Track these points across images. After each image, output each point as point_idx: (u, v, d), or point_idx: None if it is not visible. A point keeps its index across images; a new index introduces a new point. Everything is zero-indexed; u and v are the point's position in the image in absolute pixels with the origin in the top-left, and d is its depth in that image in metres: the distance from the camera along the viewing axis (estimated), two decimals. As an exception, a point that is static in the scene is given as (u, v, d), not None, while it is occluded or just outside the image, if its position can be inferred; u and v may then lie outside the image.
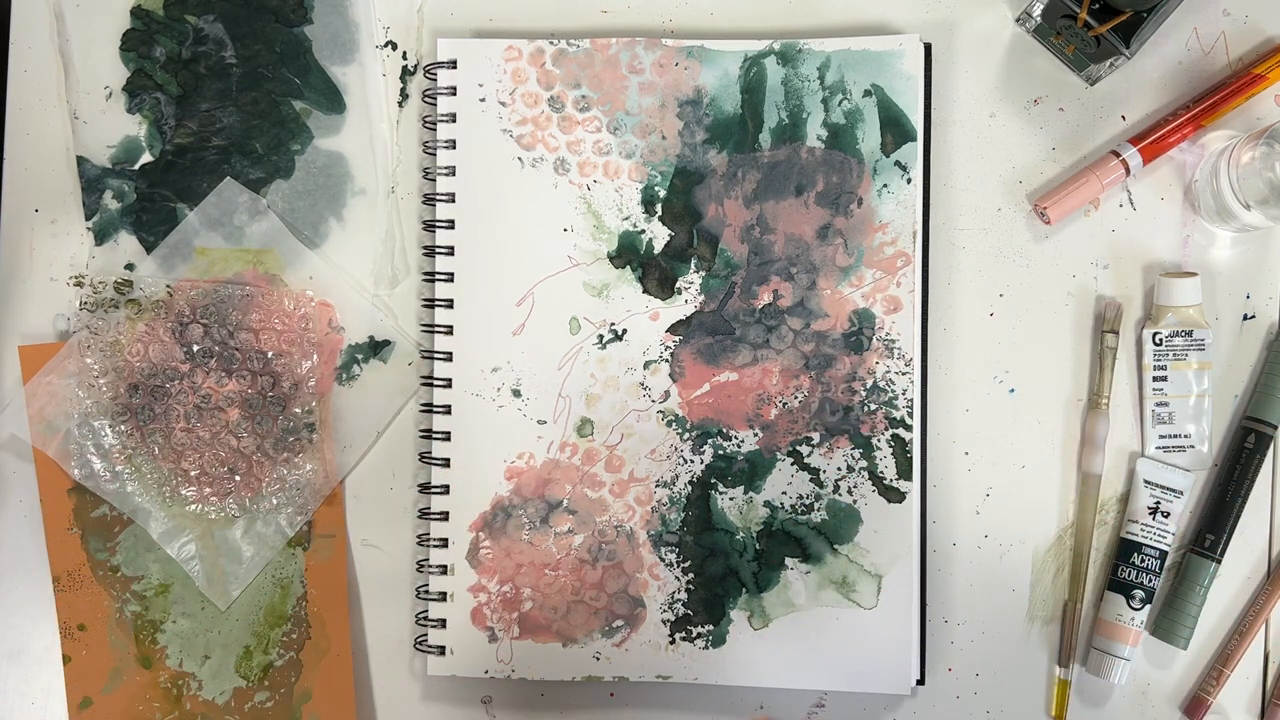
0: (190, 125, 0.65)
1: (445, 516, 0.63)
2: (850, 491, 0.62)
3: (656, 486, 0.63)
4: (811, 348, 0.63)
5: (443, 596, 0.63)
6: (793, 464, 0.62)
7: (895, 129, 0.62)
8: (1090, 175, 0.62)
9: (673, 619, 0.62)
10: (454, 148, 0.64)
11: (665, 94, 0.63)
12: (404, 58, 0.66)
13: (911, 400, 0.62)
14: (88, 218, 0.65)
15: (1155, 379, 0.62)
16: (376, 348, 0.65)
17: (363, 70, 0.66)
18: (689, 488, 0.63)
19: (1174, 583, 0.63)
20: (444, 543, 0.63)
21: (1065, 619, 0.63)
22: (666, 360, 0.63)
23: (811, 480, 0.62)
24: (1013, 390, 0.64)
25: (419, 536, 0.64)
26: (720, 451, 0.63)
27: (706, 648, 0.62)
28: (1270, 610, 0.62)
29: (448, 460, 0.63)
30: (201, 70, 0.65)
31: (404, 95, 0.66)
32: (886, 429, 0.62)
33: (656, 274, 0.63)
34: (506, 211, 0.64)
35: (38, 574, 0.64)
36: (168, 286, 0.64)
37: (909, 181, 0.62)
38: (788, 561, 0.62)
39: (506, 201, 0.64)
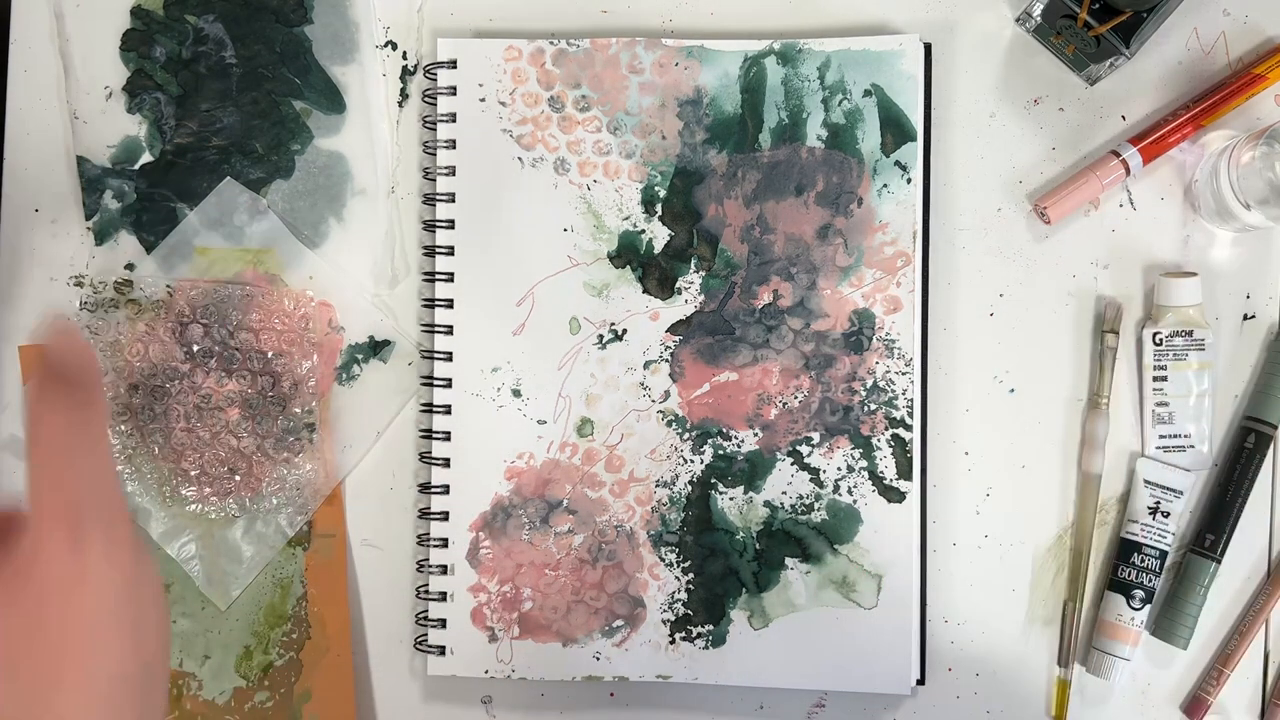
0: (190, 125, 0.65)
1: (445, 516, 0.63)
2: (850, 491, 0.62)
3: (656, 486, 0.63)
4: (811, 348, 0.63)
5: (443, 596, 0.63)
6: (793, 464, 0.62)
7: (895, 129, 0.62)
8: (1090, 175, 0.62)
9: (673, 619, 0.62)
10: (454, 148, 0.64)
11: (665, 94, 0.63)
12: (404, 58, 0.66)
13: (911, 400, 0.62)
14: (88, 218, 0.65)
15: (1155, 379, 0.62)
16: (376, 348, 0.65)
17: (363, 70, 0.66)
18: (689, 488, 0.63)
19: (1174, 583, 0.63)
20: (444, 543, 0.63)
21: (1065, 619, 0.63)
22: (666, 360, 0.63)
23: (811, 480, 0.62)
24: (1013, 390, 0.64)
25: (419, 536, 0.64)
26: (720, 451, 0.63)
27: (706, 648, 0.62)
28: (1270, 610, 0.62)
29: (448, 460, 0.63)
30: (201, 70, 0.65)
31: (404, 95, 0.66)
32: (886, 429, 0.62)
33: (656, 274, 0.63)
34: (506, 211, 0.64)
35: (38, 574, 0.64)
36: (168, 286, 0.64)
37: (909, 181, 0.62)
38: (788, 561, 0.62)
39: (506, 201, 0.64)
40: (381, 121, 0.65)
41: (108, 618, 0.38)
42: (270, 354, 0.64)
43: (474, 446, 0.63)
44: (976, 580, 0.63)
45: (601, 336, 0.63)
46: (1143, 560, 0.62)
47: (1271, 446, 0.62)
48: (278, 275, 0.65)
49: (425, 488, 0.64)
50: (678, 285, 0.63)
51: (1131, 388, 0.64)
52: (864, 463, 0.62)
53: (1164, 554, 0.62)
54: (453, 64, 0.64)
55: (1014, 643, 0.63)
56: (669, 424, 0.63)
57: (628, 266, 0.63)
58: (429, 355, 0.64)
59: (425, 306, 0.65)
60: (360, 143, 0.65)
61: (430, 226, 0.64)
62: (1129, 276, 0.64)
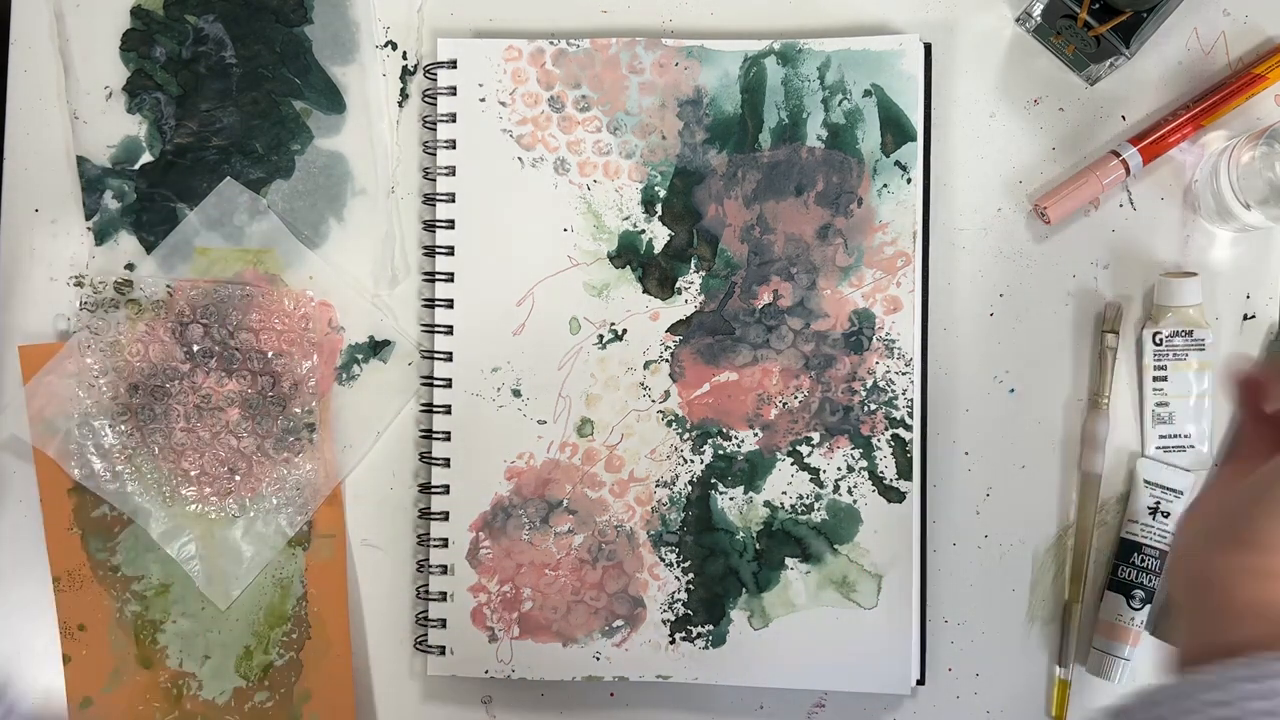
0: (190, 125, 0.65)
1: (445, 516, 0.63)
2: (850, 491, 0.62)
3: (656, 486, 0.63)
4: (811, 348, 0.63)
5: (443, 596, 0.63)
6: (793, 464, 0.62)
7: (895, 129, 0.62)
8: (1090, 175, 0.62)
9: (673, 619, 0.62)
10: (454, 148, 0.64)
11: (665, 94, 0.63)
12: (404, 58, 0.66)
13: (911, 400, 0.62)
14: (88, 218, 0.65)
15: (1155, 379, 0.62)
16: (376, 348, 0.65)
17: (363, 70, 0.66)
18: (689, 488, 0.63)
19: (1174, 583, 0.63)
20: (444, 543, 0.63)
21: (1065, 619, 0.63)
22: (666, 360, 0.63)
23: (811, 480, 0.62)
24: (1013, 390, 0.64)
25: (419, 536, 0.64)
26: (720, 451, 0.63)
27: (706, 648, 0.62)
28: (1270, 610, 0.62)
29: (448, 460, 0.63)
30: (201, 70, 0.65)
31: (404, 95, 0.66)
32: (886, 429, 0.62)
33: (656, 274, 0.63)
34: (506, 211, 0.64)
35: (38, 574, 0.64)
36: (168, 286, 0.64)
37: (909, 181, 0.62)
38: (788, 561, 0.62)
39: (506, 201, 0.64)
40: (381, 121, 0.65)
41: None
42: (270, 354, 0.64)
43: (474, 446, 0.63)
44: (976, 580, 0.63)
45: (601, 336, 0.63)
46: (1143, 560, 0.62)
47: (1271, 446, 0.62)
48: (278, 275, 0.65)
49: (425, 488, 0.64)
50: (678, 285, 0.63)
51: (1131, 388, 0.64)
52: (864, 463, 0.62)
53: (1164, 554, 0.62)
54: (453, 64, 0.64)
55: (1014, 643, 0.63)
56: (669, 424, 0.63)
57: (628, 266, 0.63)
58: (429, 355, 0.64)
59: (425, 306, 0.65)
60: (360, 143, 0.65)
61: (430, 226, 0.64)
62: (1129, 276, 0.64)
